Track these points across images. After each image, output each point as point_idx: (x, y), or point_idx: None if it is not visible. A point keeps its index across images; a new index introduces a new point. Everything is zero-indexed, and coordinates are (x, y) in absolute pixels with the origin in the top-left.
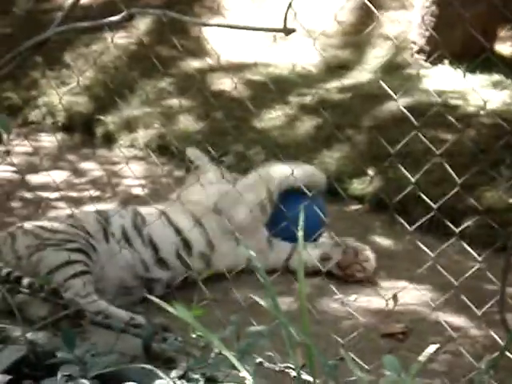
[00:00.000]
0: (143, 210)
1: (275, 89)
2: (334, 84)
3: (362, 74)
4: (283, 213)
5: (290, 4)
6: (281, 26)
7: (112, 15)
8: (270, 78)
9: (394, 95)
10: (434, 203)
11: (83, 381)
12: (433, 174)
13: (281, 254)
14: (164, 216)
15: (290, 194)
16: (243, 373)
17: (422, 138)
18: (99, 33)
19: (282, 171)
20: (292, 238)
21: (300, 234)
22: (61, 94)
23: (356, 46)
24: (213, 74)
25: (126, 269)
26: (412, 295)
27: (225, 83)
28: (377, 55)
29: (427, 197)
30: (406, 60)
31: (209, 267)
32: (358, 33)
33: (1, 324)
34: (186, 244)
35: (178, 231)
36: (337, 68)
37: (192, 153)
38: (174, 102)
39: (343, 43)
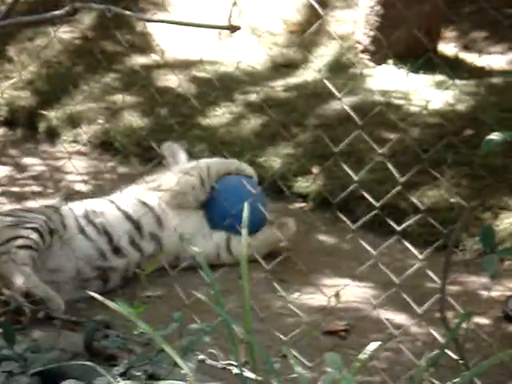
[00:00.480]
0: (91, 202)
1: (220, 86)
2: (279, 82)
3: (307, 73)
4: (222, 204)
5: (234, 1)
6: (226, 23)
7: (56, 9)
8: (215, 76)
9: (337, 94)
10: (377, 201)
11: (23, 377)
12: (376, 172)
13: (216, 242)
14: (113, 204)
15: (231, 187)
16: (185, 370)
17: (365, 137)
18: (43, 26)
19: (217, 160)
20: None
21: (244, 229)
22: (3, 88)
23: (302, 45)
24: (158, 71)
25: (84, 259)
26: (354, 293)
27: (170, 80)
28: (322, 54)
29: (370, 195)
30: (351, 59)
31: (160, 247)
32: (304, 32)
33: None
34: (137, 227)
35: (127, 217)
36: (282, 66)
37: (168, 147)
38: (119, 97)
39: (289, 42)
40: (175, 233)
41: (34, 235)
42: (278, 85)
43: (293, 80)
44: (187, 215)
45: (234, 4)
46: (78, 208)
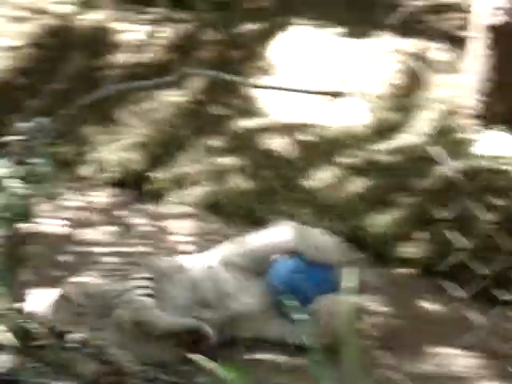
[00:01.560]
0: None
1: (324, 149)
2: (383, 145)
3: (412, 137)
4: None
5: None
6: (329, 89)
7: (166, 73)
8: (318, 139)
9: (443, 159)
10: (484, 269)
11: None
12: (483, 239)
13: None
14: (201, 262)
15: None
16: None
17: (471, 203)
18: (152, 90)
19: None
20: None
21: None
22: (112, 150)
23: (406, 109)
24: (262, 134)
25: (176, 311)
26: (460, 362)
27: (274, 143)
28: (427, 118)
29: (477, 263)
30: (457, 124)
31: (241, 307)
32: (409, 95)
33: (46, 378)
34: (220, 285)
35: (210, 273)
36: (386, 130)
37: None
38: (224, 160)
39: (393, 105)
40: (254, 299)
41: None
42: (382, 148)
43: (397, 143)
44: (255, 285)
45: (337, 70)
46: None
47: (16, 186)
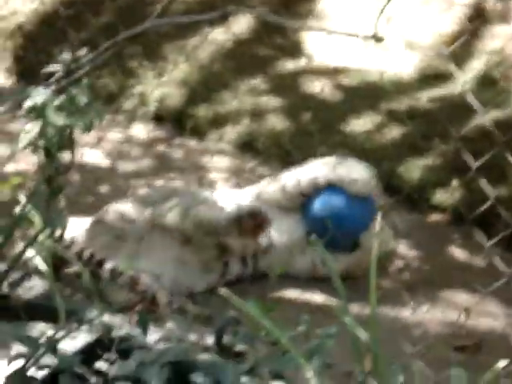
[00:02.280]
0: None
1: (365, 94)
2: (425, 93)
3: (454, 85)
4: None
5: (382, 10)
6: (374, 33)
7: (211, 10)
8: (360, 84)
9: (481, 109)
10: None
11: (154, 367)
12: None
13: (312, 256)
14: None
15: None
16: (309, 373)
17: (507, 153)
18: (198, 27)
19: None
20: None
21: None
22: (155, 85)
23: (452, 57)
24: (305, 76)
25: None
26: (486, 310)
27: (316, 85)
28: (473, 68)
29: (510, 213)
30: (501, 74)
31: (270, 241)
32: (459, 45)
33: (78, 305)
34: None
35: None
36: (430, 78)
37: None
38: (265, 100)
39: (439, 54)
40: (283, 234)
41: None
42: (424, 96)
43: (439, 91)
44: (288, 219)
45: (381, 13)
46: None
47: (56, 115)
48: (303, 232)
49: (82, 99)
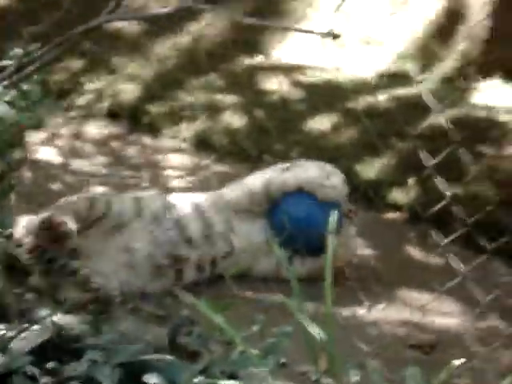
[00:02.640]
0: (170, 195)
1: (322, 93)
2: (383, 92)
3: (412, 84)
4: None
5: (338, 7)
6: (328, 30)
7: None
8: (318, 82)
9: (435, 107)
10: (472, 217)
11: (106, 367)
12: (473, 187)
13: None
14: (189, 200)
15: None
16: (264, 372)
17: (462, 152)
18: (153, 24)
19: (287, 176)
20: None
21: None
22: (109, 81)
23: (410, 56)
24: (261, 73)
25: (156, 244)
26: (441, 308)
27: (273, 83)
28: (429, 66)
29: (465, 211)
30: (458, 72)
31: (230, 247)
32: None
33: (29, 304)
34: (208, 224)
35: (200, 213)
36: (388, 77)
37: None
38: (221, 97)
39: (397, 53)
40: (245, 239)
41: None
42: (382, 95)
43: (397, 91)
44: (252, 223)
45: (337, 10)
46: (156, 198)
47: (6, 111)
48: (267, 235)
49: (34, 95)
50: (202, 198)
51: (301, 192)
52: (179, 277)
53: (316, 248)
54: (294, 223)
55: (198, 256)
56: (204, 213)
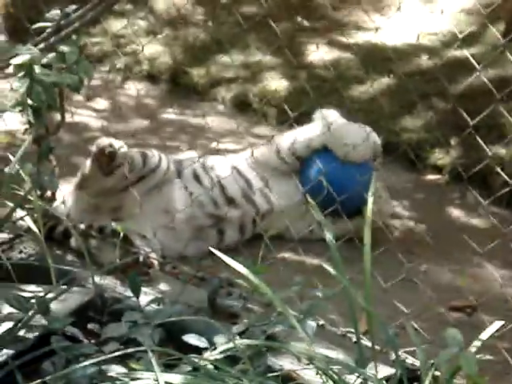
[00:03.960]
0: (211, 157)
1: (363, 53)
2: (425, 52)
3: (454, 44)
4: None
5: None
6: None
7: None
8: (360, 43)
9: (477, 66)
10: None
11: (146, 328)
12: None
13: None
14: (228, 161)
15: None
16: (302, 333)
17: (504, 111)
18: None
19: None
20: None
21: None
22: (149, 43)
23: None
24: (302, 34)
25: (197, 205)
26: (483, 270)
27: (313, 44)
28: (470, 24)
29: (508, 171)
30: (500, 31)
31: (270, 205)
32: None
33: (71, 267)
34: (248, 183)
35: (239, 172)
36: (431, 36)
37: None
38: (261, 59)
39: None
40: (282, 198)
41: None
42: (424, 55)
43: (439, 50)
44: (287, 183)
45: None
46: (196, 160)
47: (44, 73)
48: (301, 196)
49: (72, 57)
50: (240, 158)
51: (328, 151)
52: (221, 238)
53: (351, 210)
54: (319, 183)
55: (240, 215)
56: (243, 173)
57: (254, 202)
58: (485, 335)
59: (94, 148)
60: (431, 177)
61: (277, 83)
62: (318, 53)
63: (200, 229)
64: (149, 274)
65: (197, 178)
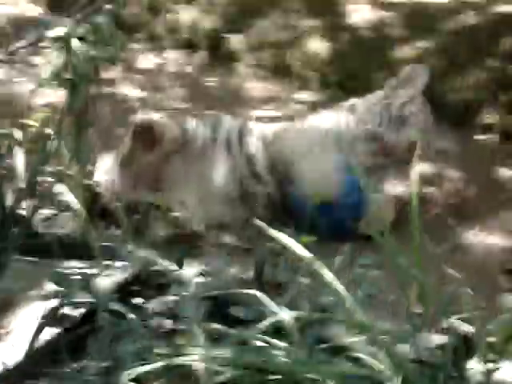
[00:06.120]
0: (253, 126)
1: (407, 13)
2: (472, 9)
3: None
4: None
5: None
6: None
7: None
8: (403, 2)
9: None
10: None
11: (192, 301)
12: None
13: None
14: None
15: None
16: (350, 304)
17: None
18: None
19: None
20: None
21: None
22: (187, 11)
23: None
24: None
25: (232, 174)
26: None
27: (355, 4)
28: None
29: None
30: None
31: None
32: None
33: (113, 242)
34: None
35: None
36: None
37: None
38: (301, 23)
39: None
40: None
41: None
42: (471, 12)
43: (486, 8)
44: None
45: None
46: (235, 125)
47: (79, 46)
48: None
49: (106, 28)
50: (279, 128)
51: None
52: (250, 212)
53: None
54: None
55: (266, 194)
56: (273, 144)
57: (284, 176)
58: None
59: (132, 126)
60: (480, 136)
61: (318, 46)
62: (360, 13)
63: (231, 200)
64: (193, 246)
65: (229, 146)
